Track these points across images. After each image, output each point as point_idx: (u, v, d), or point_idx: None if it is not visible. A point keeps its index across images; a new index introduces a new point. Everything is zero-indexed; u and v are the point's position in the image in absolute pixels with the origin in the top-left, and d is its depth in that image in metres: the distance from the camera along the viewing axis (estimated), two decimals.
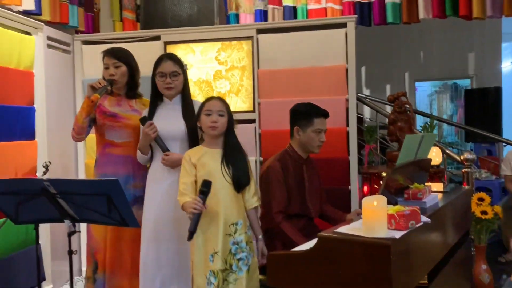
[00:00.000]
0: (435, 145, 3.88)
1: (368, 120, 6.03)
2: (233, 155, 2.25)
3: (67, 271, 3.81)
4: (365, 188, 3.68)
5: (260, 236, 2.31)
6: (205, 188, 2.08)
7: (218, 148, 2.28)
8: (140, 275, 2.47)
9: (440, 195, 2.41)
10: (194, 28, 3.79)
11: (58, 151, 3.69)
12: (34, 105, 3.44)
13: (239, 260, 2.17)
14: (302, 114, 2.59)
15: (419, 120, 6.42)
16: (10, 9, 3.27)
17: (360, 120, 6.20)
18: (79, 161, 3.94)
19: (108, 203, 1.66)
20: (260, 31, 3.69)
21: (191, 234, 2.03)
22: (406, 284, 1.58)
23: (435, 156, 3.50)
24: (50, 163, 3.16)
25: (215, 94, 3.71)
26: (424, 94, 8.24)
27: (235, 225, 2.20)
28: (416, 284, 1.72)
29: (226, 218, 2.18)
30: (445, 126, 8.01)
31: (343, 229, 1.65)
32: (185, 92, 2.58)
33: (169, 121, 2.51)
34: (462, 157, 3.45)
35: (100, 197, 1.64)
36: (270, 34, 3.66)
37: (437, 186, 2.90)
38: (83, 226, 3.48)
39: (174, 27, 3.91)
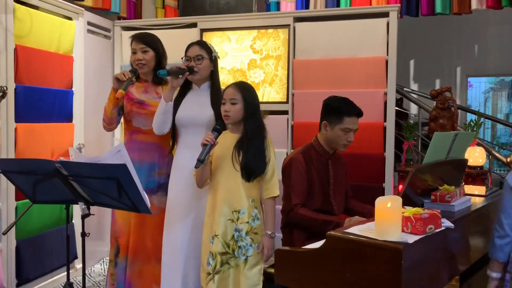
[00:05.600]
0: (479, 144, 3.63)
1: (413, 116, 5.76)
2: (248, 142, 2.18)
3: (99, 251, 3.97)
4: (400, 187, 3.50)
5: (269, 232, 2.19)
6: (218, 126, 2.15)
7: (238, 133, 2.24)
8: (162, 260, 2.49)
9: (476, 199, 2.25)
10: (230, 15, 3.74)
11: (95, 134, 3.78)
12: (73, 89, 3.54)
13: (239, 247, 2.17)
14: (333, 110, 2.44)
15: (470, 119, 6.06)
16: None
17: (405, 115, 5.95)
18: (115, 145, 4.02)
19: (118, 187, 1.66)
20: (297, 19, 3.59)
21: (198, 162, 2.06)
22: None
23: (479, 156, 3.26)
24: (84, 145, 3.24)
25: None
26: (479, 91, 7.78)
27: (237, 213, 2.17)
28: None
29: (230, 204, 2.18)
30: (499, 126, 7.53)
31: (355, 229, 1.56)
32: (213, 79, 2.54)
33: (197, 107, 2.49)
34: (508, 159, 3.20)
35: (109, 181, 1.65)
36: (307, 23, 3.55)
37: (478, 189, 2.70)
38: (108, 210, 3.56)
39: (212, 15, 3.88)
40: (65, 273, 3.32)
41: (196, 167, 2.09)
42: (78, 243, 3.59)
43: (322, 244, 1.54)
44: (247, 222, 2.18)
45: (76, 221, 3.57)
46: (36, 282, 3.21)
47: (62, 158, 1.73)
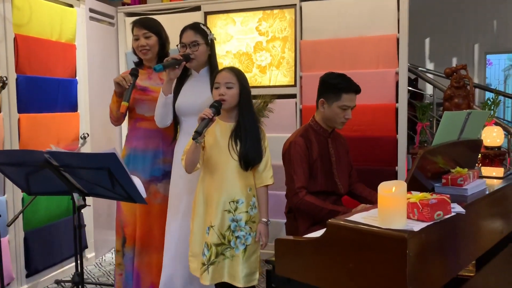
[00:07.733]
0: (497, 124, 3.47)
1: (429, 96, 5.58)
2: (244, 131, 2.12)
3: (111, 240, 3.95)
4: None
5: (264, 219, 2.18)
6: (216, 103, 2.05)
7: (231, 121, 2.17)
8: (164, 248, 2.44)
9: (493, 181, 2.12)
10: None
11: (101, 123, 3.74)
12: (76, 77, 3.49)
13: (237, 237, 2.12)
14: (330, 87, 2.36)
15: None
16: None
17: (421, 96, 5.77)
18: (123, 133, 3.97)
19: (110, 177, 1.60)
20: None
21: (196, 133, 1.96)
22: (428, 283, 1.38)
23: (496, 136, 3.11)
24: (88, 134, 3.20)
25: (255, 67, 3.57)
26: (498, 69, 7.51)
27: (236, 203, 2.12)
28: (443, 283, 1.50)
29: (227, 194, 2.12)
30: None
31: (358, 216, 1.46)
32: (212, 63, 2.45)
33: (196, 93, 2.41)
34: None
35: (101, 171, 1.58)
36: (314, 2, 3.42)
37: (495, 171, 2.57)
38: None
39: None
40: (74, 263, 3.35)
41: (193, 138, 1.99)
42: (88, 232, 3.58)
43: (323, 233, 1.45)
44: (246, 212, 2.14)
45: (84, 211, 3.55)
46: (46, 272, 3.21)
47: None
